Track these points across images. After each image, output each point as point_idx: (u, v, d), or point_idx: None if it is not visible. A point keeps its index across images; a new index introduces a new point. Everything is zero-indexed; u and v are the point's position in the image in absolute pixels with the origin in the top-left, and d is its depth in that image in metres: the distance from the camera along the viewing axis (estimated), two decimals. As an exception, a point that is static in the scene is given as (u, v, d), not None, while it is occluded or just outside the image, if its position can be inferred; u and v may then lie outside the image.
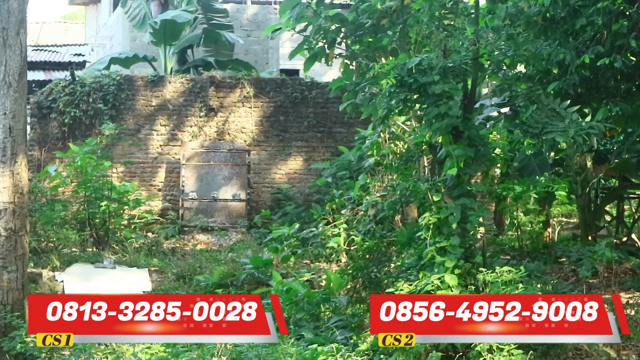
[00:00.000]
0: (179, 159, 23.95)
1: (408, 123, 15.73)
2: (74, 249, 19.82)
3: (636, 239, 20.41)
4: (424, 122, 12.12)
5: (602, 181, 21.41)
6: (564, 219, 25.09)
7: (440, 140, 11.91)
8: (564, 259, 18.57)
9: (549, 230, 21.38)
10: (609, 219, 21.76)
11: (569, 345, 11.73)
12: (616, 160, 20.01)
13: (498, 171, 19.91)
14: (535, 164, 18.59)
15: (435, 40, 12.38)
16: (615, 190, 21.50)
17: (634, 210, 22.02)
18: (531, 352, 10.64)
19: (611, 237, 19.65)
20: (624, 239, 20.50)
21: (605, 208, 21.77)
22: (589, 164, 20.28)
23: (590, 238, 19.68)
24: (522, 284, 10.95)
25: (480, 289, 11.06)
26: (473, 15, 12.84)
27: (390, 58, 15.88)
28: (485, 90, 17.98)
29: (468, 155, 11.56)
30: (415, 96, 11.79)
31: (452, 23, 12.74)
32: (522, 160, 17.87)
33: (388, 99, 11.93)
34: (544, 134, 11.39)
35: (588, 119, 14.90)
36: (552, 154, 21.36)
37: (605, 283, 16.80)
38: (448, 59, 11.77)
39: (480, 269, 11.20)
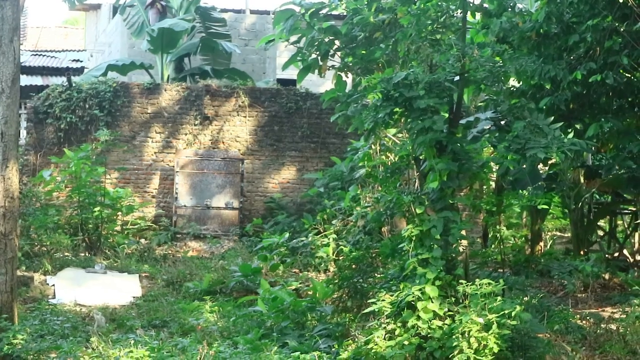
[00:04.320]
0: (173, 167, 24.10)
1: (400, 135, 15.87)
2: (66, 254, 19.95)
3: (627, 255, 20.55)
4: (409, 135, 12.29)
5: (597, 196, 21.54)
6: (558, 233, 25.24)
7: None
8: (556, 273, 18.68)
9: (541, 244, 21.52)
10: (601, 234, 21.88)
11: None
12: (610, 176, 20.14)
13: (493, 184, 20.09)
14: (528, 177, 18.73)
15: (422, 55, 12.53)
16: (608, 206, 21.60)
17: (626, 226, 22.16)
18: (508, 363, 10.81)
19: (602, 252, 19.82)
20: (616, 254, 20.64)
21: (599, 223, 21.89)
22: (582, 179, 20.43)
23: (582, 253, 19.79)
24: (501, 296, 11.09)
25: (460, 301, 11.21)
26: (461, 31, 12.99)
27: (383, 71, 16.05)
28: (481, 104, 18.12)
29: (451, 169, 11.71)
30: (400, 110, 11.94)
31: (440, 37, 12.86)
32: (515, 174, 18.00)
33: (375, 113, 12.08)
34: (526, 149, 11.53)
35: (571, 135, 15.05)
36: (547, 168, 21.55)
37: (593, 297, 16.98)
38: (434, 74, 11.93)
39: (461, 281, 11.34)
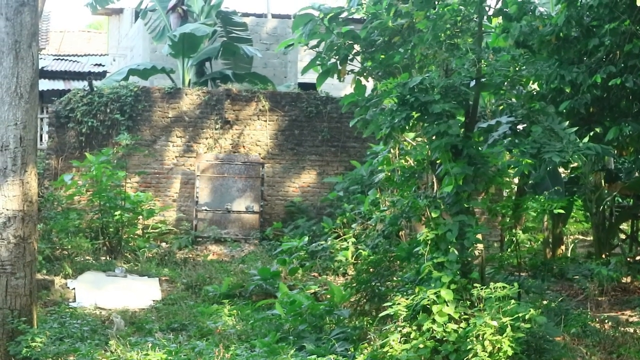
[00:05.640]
0: (194, 171, 24.18)
1: (419, 139, 15.89)
2: (87, 257, 20.09)
3: (649, 258, 20.54)
4: (424, 139, 12.33)
5: (619, 200, 21.52)
6: (580, 237, 25.23)
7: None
8: (577, 276, 18.69)
9: (562, 247, 21.53)
10: (623, 237, 21.85)
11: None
12: (631, 180, 20.10)
13: (515, 188, 20.10)
14: (549, 181, 18.73)
15: (438, 59, 12.56)
16: (629, 209, 21.59)
17: (648, 230, 22.13)
18: (523, 365, 10.82)
19: (623, 256, 19.80)
20: (637, 257, 20.61)
21: (620, 226, 21.85)
22: (603, 182, 20.43)
23: (604, 256, 19.78)
24: (517, 300, 11.10)
25: (475, 304, 11.23)
26: (477, 36, 12.99)
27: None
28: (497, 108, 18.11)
29: (467, 173, 11.72)
30: (416, 114, 11.97)
31: (456, 42, 12.86)
32: (536, 178, 18.02)
33: (391, 117, 12.12)
34: (541, 154, 11.53)
35: (586, 139, 15.01)
36: (568, 171, 21.54)
37: (613, 300, 16.96)
38: (449, 79, 11.95)
39: (476, 284, 11.36)
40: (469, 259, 11.98)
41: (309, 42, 18.36)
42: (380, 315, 12.49)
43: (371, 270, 14.69)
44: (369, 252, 15.03)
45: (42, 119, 28.77)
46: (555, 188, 16.97)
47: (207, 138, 24.56)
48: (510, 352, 10.51)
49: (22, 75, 12.58)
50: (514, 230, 14.09)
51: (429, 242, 11.73)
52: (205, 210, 23.93)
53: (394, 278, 14.21)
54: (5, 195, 12.58)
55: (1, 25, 12.60)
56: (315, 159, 24.97)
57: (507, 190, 20.34)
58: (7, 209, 12.59)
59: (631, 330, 14.16)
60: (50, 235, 20.20)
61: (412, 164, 14.35)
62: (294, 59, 30.81)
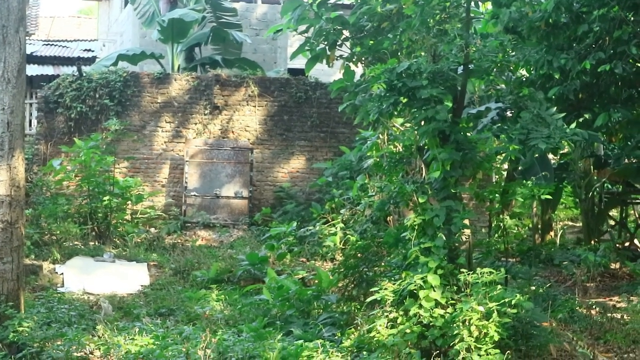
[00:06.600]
0: (183, 156, 24.16)
1: (408, 125, 15.89)
2: (75, 242, 20.06)
3: (638, 244, 20.57)
4: (412, 125, 12.33)
5: (608, 186, 21.55)
6: (570, 223, 25.30)
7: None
8: (565, 262, 18.73)
9: (551, 233, 21.56)
10: (612, 224, 21.90)
11: (550, 348, 11.90)
12: (619, 166, 20.11)
13: (505, 174, 20.12)
14: (538, 167, 18.75)
15: (426, 45, 12.55)
16: (619, 195, 21.62)
17: (637, 216, 22.16)
18: (508, 351, 10.81)
19: (612, 242, 19.85)
20: (626, 243, 20.65)
21: (610, 213, 21.89)
22: (592, 168, 20.45)
23: (593, 242, 19.82)
24: (502, 285, 11.12)
25: (462, 290, 11.24)
26: (465, 21, 12.97)
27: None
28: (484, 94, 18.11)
29: (454, 159, 11.71)
30: (404, 100, 11.96)
31: (444, 27, 12.85)
32: (525, 163, 18.04)
33: (379, 103, 12.11)
34: (529, 140, 11.53)
35: (573, 125, 15.00)
36: (558, 157, 21.57)
37: (602, 287, 17.01)
38: (437, 64, 11.94)
39: (463, 270, 11.36)
40: (456, 245, 11.99)
41: (298, 28, 18.38)
42: (368, 300, 12.49)
43: (359, 255, 14.73)
44: (357, 237, 15.01)
45: (31, 104, 28.72)
46: (543, 173, 17.01)
47: (196, 123, 24.53)
48: (496, 337, 10.50)
49: (9, 60, 12.55)
50: (501, 216, 14.09)
51: (416, 227, 11.72)
52: (194, 195, 23.92)
53: (382, 263, 14.22)
54: (-7, 180, 12.59)
55: (-13, 10, 12.60)
56: (304, 144, 24.96)
57: (497, 176, 20.34)
58: (-5, 194, 12.59)
59: (618, 316, 14.18)
60: (38, 220, 20.19)
61: (401, 150, 14.33)
62: (283, 44, 30.80)
